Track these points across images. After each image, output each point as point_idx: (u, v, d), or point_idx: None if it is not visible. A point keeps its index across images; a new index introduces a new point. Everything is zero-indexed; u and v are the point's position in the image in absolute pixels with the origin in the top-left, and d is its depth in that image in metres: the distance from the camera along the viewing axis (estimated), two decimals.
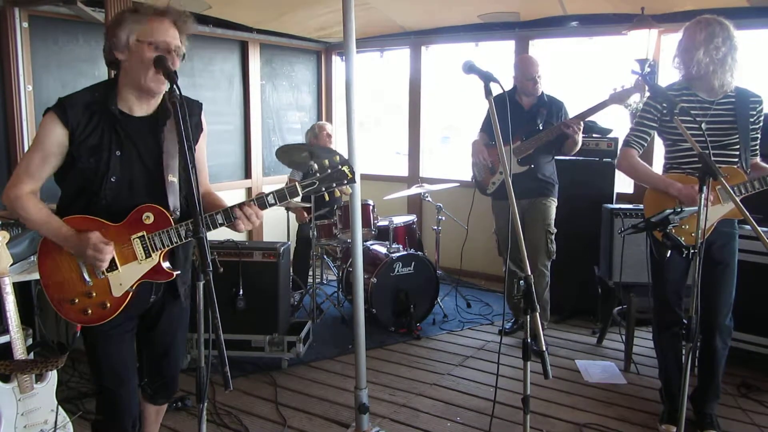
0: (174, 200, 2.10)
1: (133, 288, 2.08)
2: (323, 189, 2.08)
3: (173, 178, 2.10)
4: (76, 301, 2.05)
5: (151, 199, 2.07)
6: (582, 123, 4.08)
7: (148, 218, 2.04)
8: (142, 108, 2.09)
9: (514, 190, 4.09)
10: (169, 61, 1.97)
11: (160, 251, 2.06)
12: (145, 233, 2.04)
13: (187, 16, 2.07)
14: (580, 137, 4.12)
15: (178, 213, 2.11)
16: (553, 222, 4.32)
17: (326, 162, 2.07)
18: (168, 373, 2.40)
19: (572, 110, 4.32)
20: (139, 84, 2.02)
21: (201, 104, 2.28)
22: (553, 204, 4.35)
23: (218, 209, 2.08)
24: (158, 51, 1.97)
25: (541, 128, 4.23)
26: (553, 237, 4.31)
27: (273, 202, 2.08)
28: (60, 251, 2.05)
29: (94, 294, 2.06)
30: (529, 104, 4.33)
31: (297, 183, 2.06)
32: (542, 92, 4.32)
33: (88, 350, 2.19)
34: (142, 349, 2.38)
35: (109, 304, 2.07)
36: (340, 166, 2.06)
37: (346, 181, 2.08)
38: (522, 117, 4.26)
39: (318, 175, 2.07)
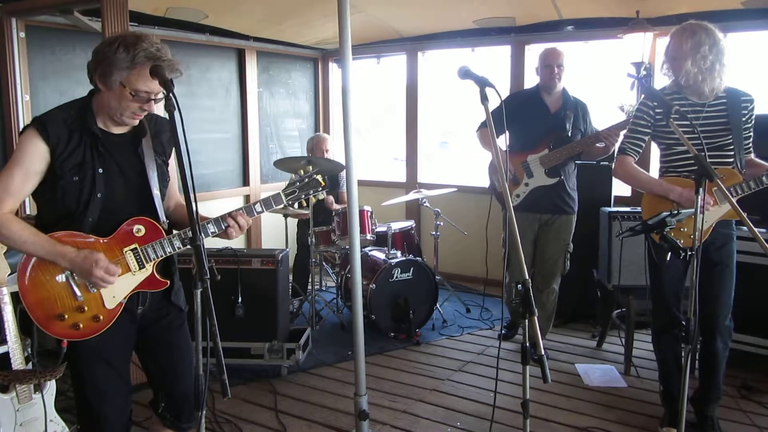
0: (161, 212, 2.12)
1: (126, 299, 2.07)
2: (303, 196, 2.28)
3: (156, 191, 2.13)
4: (66, 316, 2.01)
5: (138, 212, 2.09)
6: (620, 134, 3.82)
7: (139, 231, 2.07)
8: (119, 128, 2.11)
9: (539, 203, 4.08)
10: (152, 109, 2.03)
11: (153, 261, 2.08)
12: (137, 245, 2.06)
13: (176, 65, 2.01)
14: (614, 148, 3.88)
15: (166, 225, 2.14)
16: (571, 238, 4.19)
17: (302, 172, 2.30)
18: (177, 392, 2.30)
19: None
20: (113, 117, 2.04)
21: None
22: (574, 220, 4.19)
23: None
24: (136, 99, 1.97)
25: (569, 134, 4.02)
26: (569, 255, 4.19)
27: (260, 210, 2.21)
28: (43, 267, 1.99)
29: (86, 308, 2.02)
30: (555, 106, 4.08)
31: (281, 192, 2.24)
32: (566, 92, 4.10)
33: (73, 364, 2.12)
34: (148, 371, 2.32)
35: (102, 317, 2.04)
36: (314, 175, 2.28)
37: (320, 188, 2.30)
38: (548, 121, 4.04)
39: (297, 184, 2.28)
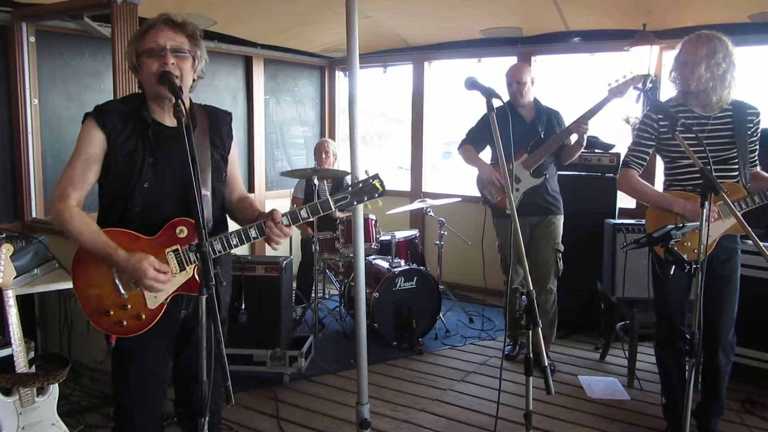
0: (207, 213, 2.10)
1: (167, 301, 2.08)
2: (355, 202, 2.12)
3: (206, 192, 2.11)
4: (111, 312, 2.05)
5: (183, 210, 2.07)
6: (588, 123, 3.99)
7: (182, 232, 2.05)
8: (171, 118, 2.09)
9: (527, 207, 4.14)
10: (168, 65, 1.99)
11: (194, 264, 2.07)
12: (179, 247, 2.05)
13: (176, 16, 2.08)
14: (585, 139, 4.05)
15: (210, 225, 2.12)
16: (560, 239, 4.27)
17: (359, 176, 2.16)
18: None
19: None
20: (151, 92, 2.07)
21: (230, 114, 2.33)
22: (561, 220, 4.27)
23: (254, 212, 2.18)
24: (153, 55, 2.00)
25: (543, 136, 4.15)
26: (560, 255, 4.25)
27: (306, 215, 2.11)
28: (93, 262, 2.04)
29: (129, 306, 2.06)
30: (529, 116, 4.23)
31: (329, 198, 2.10)
32: (538, 101, 4.26)
33: (113, 364, 2.19)
34: (176, 376, 2.32)
35: (144, 316, 2.07)
36: (371, 180, 2.12)
37: (377, 195, 2.13)
38: (523, 129, 4.17)
39: (350, 189, 2.12)
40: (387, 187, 2.20)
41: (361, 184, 2.12)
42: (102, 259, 2.01)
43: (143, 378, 2.16)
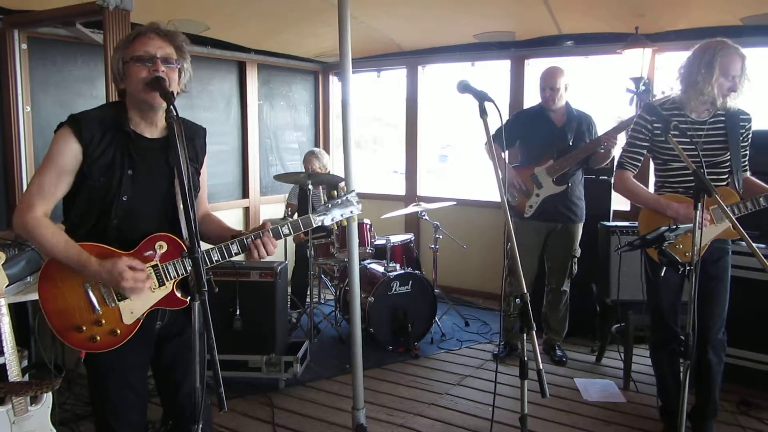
0: (183, 227, 2.04)
1: (144, 315, 2.03)
2: (333, 219, 2.24)
3: (182, 206, 2.05)
4: (84, 328, 1.98)
5: (162, 223, 2.05)
6: (617, 137, 3.97)
7: (161, 247, 2.02)
8: (151, 130, 2.07)
9: (547, 212, 4.18)
10: (159, 73, 1.95)
11: (173, 280, 2.04)
12: (158, 263, 2.02)
13: (167, 25, 2.05)
14: (612, 153, 4.06)
15: (187, 240, 2.04)
16: (578, 244, 4.33)
17: (334, 192, 2.27)
18: (184, 410, 2.23)
19: None
20: (137, 101, 2.00)
21: (205, 129, 2.32)
22: (580, 228, 4.33)
23: (222, 230, 2.17)
24: (141, 63, 1.95)
25: (571, 143, 4.16)
26: (576, 259, 4.32)
27: (287, 232, 2.17)
28: (64, 277, 1.97)
29: (104, 321, 1.99)
30: (560, 121, 4.23)
31: (311, 215, 2.20)
32: (570, 106, 4.25)
33: (90, 381, 2.13)
34: (159, 387, 2.28)
35: (119, 331, 2.01)
36: (346, 197, 2.26)
37: (352, 211, 2.28)
38: (553, 134, 4.19)
39: (329, 205, 2.24)
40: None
41: (339, 201, 2.25)
42: (76, 271, 1.94)
43: (123, 391, 2.10)
